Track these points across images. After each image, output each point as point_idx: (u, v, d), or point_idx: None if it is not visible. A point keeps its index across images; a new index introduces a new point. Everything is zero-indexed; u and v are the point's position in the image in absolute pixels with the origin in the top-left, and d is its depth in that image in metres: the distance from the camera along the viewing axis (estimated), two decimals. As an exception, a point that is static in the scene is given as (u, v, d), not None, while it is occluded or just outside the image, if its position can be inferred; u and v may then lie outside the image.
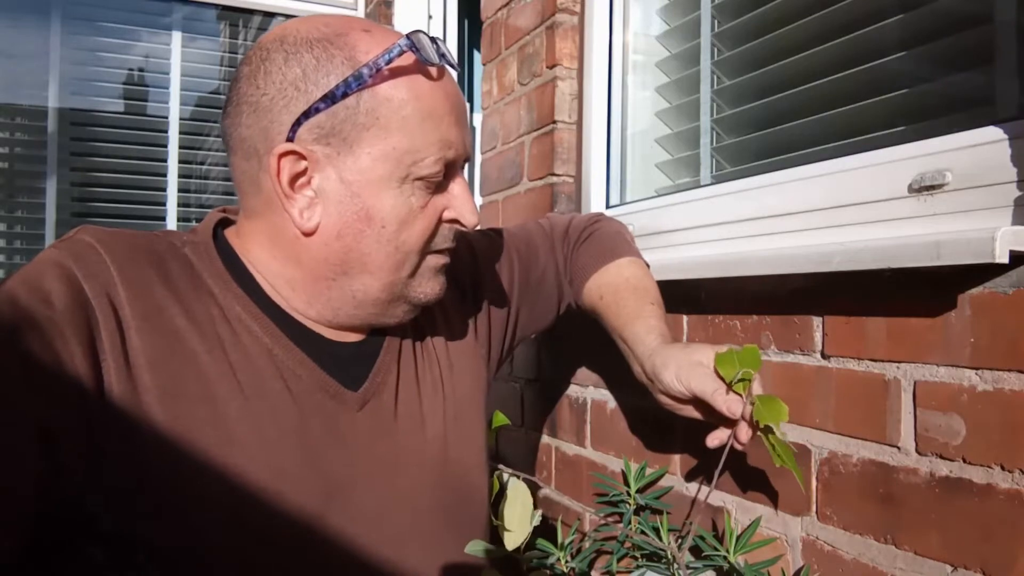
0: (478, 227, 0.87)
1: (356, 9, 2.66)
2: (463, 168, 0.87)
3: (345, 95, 0.76)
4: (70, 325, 0.70)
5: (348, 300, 0.84)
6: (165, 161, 2.73)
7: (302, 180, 0.79)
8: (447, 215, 0.84)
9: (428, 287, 0.87)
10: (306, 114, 0.77)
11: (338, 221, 0.80)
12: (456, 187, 0.85)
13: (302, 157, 0.78)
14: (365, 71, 0.76)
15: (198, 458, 0.73)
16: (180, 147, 2.74)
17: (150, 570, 0.71)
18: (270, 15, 2.78)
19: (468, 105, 0.93)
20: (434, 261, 0.86)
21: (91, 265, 0.74)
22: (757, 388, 0.82)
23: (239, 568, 0.74)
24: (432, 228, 0.83)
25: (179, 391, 0.74)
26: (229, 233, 0.88)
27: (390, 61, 0.77)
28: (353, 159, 0.78)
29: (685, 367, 0.87)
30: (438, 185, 0.82)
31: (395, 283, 0.84)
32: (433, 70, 0.80)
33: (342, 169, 0.78)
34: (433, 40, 0.81)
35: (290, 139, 0.78)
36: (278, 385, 0.80)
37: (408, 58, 0.78)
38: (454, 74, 0.86)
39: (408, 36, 0.79)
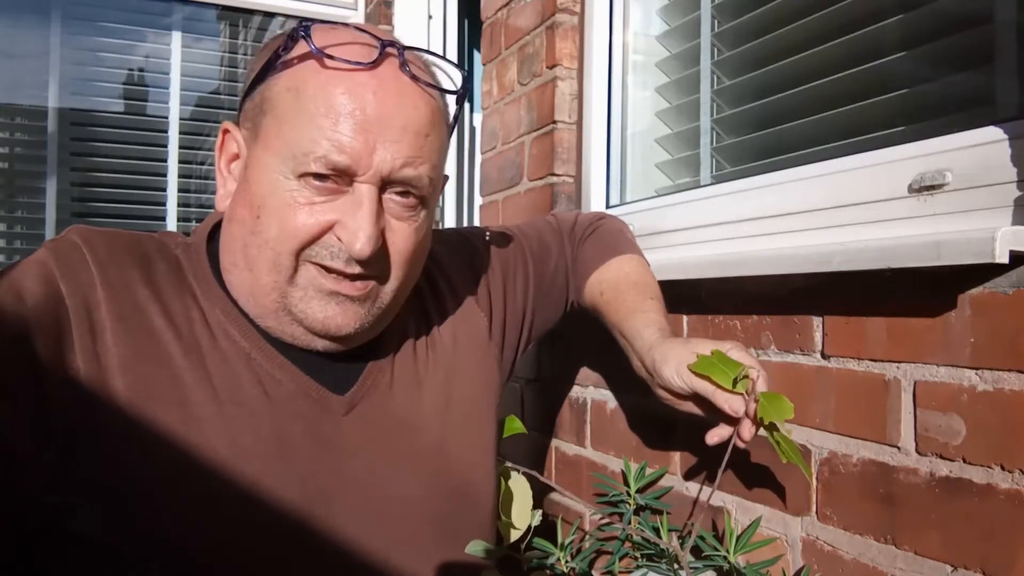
0: (365, 256, 0.74)
1: (356, 9, 2.66)
2: (389, 189, 0.77)
3: (262, 81, 0.78)
4: (38, 323, 0.70)
5: (248, 299, 0.80)
6: (165, 161, 2.73)
7: (236, 162, 0.81)
8: (336, 230, 0.75)
9: (309, 307, 0.77)
10: (244, 98, 0.80)
11: (234, 204, 0.80)
12: (356, 203, 0.75)
13: (235, 139, 0.81)
14: (273, 58, 0.77)
15: (169, 463, 0.73)
16: (180, 147, 2.74)
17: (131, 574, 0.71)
18: (270, 15, 2.77)
19: (427, 125, 0.79)
20: (317, 278, 0.77)
21: (72, 265, 0.75)
22: (762, 385, 0.82)
23: (218, 574, 0.73)
24: (310, 232, 0.75)
25: (151, 394, 0.73)
26: None
27: (288, 49, 0.76)
28: (257, 146, 0.78)
29: (686, 363, 0.87)
30: (341, 192, 0.75)
31: (275, 287, 0.77)
32: (346, 68, 0.74)
33: (251, 154, 0.79)
34: (367, 43, 0.76)
35: (238, 122, 0.81)
36: (255, 391, 0.79)
37: (310, 50, 0.75)
38: (413, 86, 0.77)
39: (302, 23, 0.76)
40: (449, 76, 0.83)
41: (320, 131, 0.73)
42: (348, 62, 0.74)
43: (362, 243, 0.74)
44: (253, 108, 0.79)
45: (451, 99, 0.83)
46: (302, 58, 0.76)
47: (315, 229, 0.75)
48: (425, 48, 0.84)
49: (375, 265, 0.78)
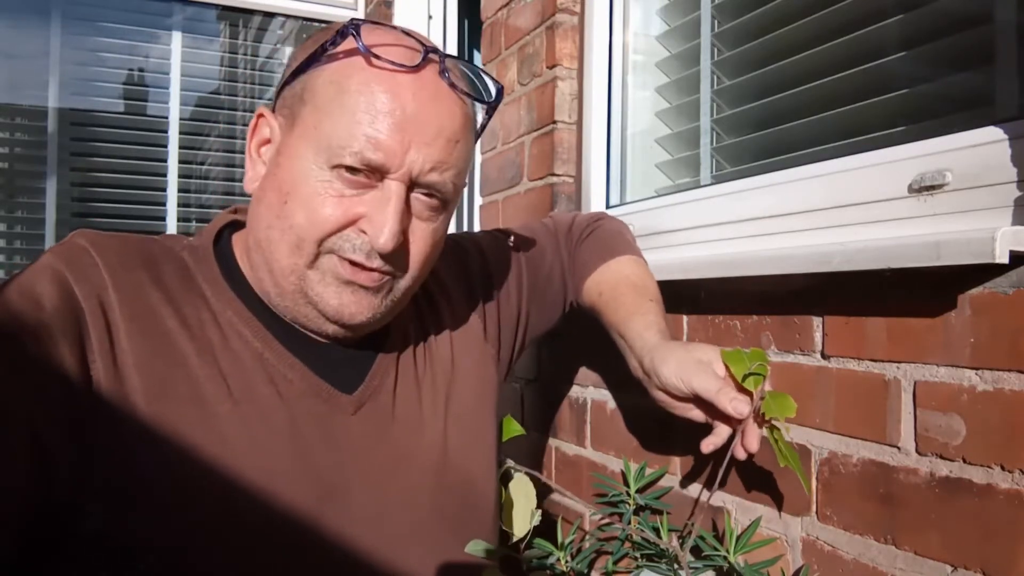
0: (387, 250, 0.77)
1: (356, 9, 2.67)
2: (416, 189, 0.79)
3: (304, 71, 0.79)
4: (60, 327, 0.71)
5: (268, 280, 0.82)
6: (165, 161, 2.73)
7: (267, 146, 0.83)
8: (362, 223, 0.77)
9: (325, 292, 0.79)
10: (283, 85, 0.82)
11: (263, 187, 0.82)
12: (384, 199, 0.77)
13: (270, 124, 0.82)
14: (319, 51, 0.78)
15: (187, 459, 0.73)
16: (180, 147, 2.75)
17: (145, 571, 0.71)
18: (270, 15, 2.77)
19: (459, 132, 0.81)
20: (337, 266, 0.79)
21: (83, 268, 0.75)
22: (766, 387, 0.83)
23: (232, 571, 0.74)
24: (335, 223, 0.77)
25: (167, 392, 0.74)
26: (237, 236, 0.89)
27: (335, 44, 0.77)
28: (292, 133, 0.79)
29: (686, 364, 0.87)
30: (370, 188, 0.77)
31: (294, 269, 0.79)
32: (390, 69, 0.76)
33: (284, 141, 0.80)
34: (412, 47, 0.78)
35: (274, 108, 0.83)
36: (268, 390, 0.80)
37: (357, 47, 0.77)
38: (451, 93, 0.79)
39: (352, 21, 0.78)
40: (487, 86, 0.86)
41: (358, 126, 0.75)
42: (393, 63, 0.76)
43: (386, 238, 0.76)
44: (292, 96, 0.80)
45: (480, 109, 0.86)
46: (348, 54, 0.77)
47: (341, 221, 0.77)
48: (464, 59, 0.86)
49: (394, 260, 0.80)
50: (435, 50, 0.79)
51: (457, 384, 0.96)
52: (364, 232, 0.77)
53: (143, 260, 0.80)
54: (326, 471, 0.80)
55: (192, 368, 0.77)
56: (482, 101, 0.84)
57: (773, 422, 0.81)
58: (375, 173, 0.77)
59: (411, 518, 0.85)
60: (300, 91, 0.79)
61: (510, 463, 1.09)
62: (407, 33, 0.80)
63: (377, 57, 0.76)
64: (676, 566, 0.88)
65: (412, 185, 0.79)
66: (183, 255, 0.84)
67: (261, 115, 0.83)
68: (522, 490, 1.08)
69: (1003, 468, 0.69)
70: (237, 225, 0.90)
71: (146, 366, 0.74)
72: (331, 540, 0.79)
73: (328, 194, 0.77)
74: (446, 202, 0.83)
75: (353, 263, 0.79)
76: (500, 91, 0.86)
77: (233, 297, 0.82)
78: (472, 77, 0.85)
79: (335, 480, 0.81)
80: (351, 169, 0.76)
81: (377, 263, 0.79)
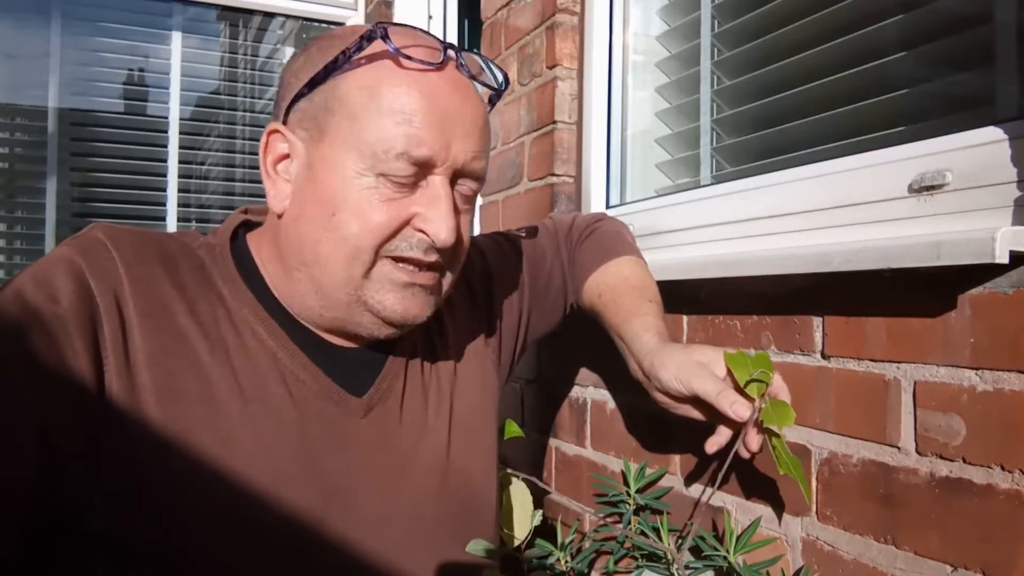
0: (449, 244, 0.78)
1: (356, 9, 2.67)
2: (458, 181, 0.81)
3: (324, 80, 0.78)
4: (75, 322, 0.70)
5: (314, 296, 0.81)
6: (165, 161, 2.73)
7: (285, 162, 0.82)
8: (417, 222, 0.78)
9: (386, 299, 0.80)
10: (296, 98, 0.80)
11: (299, 204, 0.80)
12: (435, 195, 0.78)
13: (286, 139, 0.81)
14: (341, 58, 0.78)
15: (194, 458, 0.73)
16: (180, 147, 2.75)
17: (147, 572, 0.71)
18: (270, 15, 2.78)
19: (485, 122, 0.83)
20: (392, 271, 0.79)
21: (100, 262, 0.75)
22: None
23: (236, 573, 0.74)
24: (390, 227, 0.77)
25: (177, 391, 0.74)
26: (251, 236, 0.88)
27: (361, 49, 0.77)
28: (323, 145, 0.78)
29: (686, 367, 0.87)
30: (415, 187, 0.78)
31: (349, 281, 0.79)
32: (420, 69, 0.77)
33: (313, 154, 0.79)
34: (432, 45, 0.80)
35: (285, 122, 0.82)
36: (280, 389, 0.80)
37: (385, 49, 0.77)
38: (476, 86, 0.83)
39: (379, 24, 0.78)
40: (494, 74, 0.88)
41: (399, 127, 0.76)
42: (423, 62, 0.77)
43: (447, 233, 0.77)
44: (313, 107, 0.79)
45: (485, 99, 0.88)
46: (373, 58, 0.78)
47: (396, 224, 0.78)
48: (473, 50, 0.87)
49: (447, 253, 0.81)
50: (451, 45, 0.81)
51: (460, 390, 0.96)
52: (420, 231, 0.78)
53: (159, 255, 0.80)
54: (332, 474, 0.80)
55: (203, 367, 0.76)
56: (497, 89, 0.87)
57: (772, 429, 0.81)
58: (421, 171, 0.77)
59: (414, 523, 0.85)
60: (323, 101, 0.78)
61: (508, 470, 1.09)
62: (424, 32, 0.82)
63: (408, 58, 0.76)
64: (674, 567, 0.88)
65: (454, 178, 0.80)
66: (199, 252, 0.84)
67: (273, 131, 0.81)
68: (519, 496, 1.08)
69: (1003, 468, 0.69)
70: (249, 225, 0.90)
71: (157, 364, 0.74)
72: (335, 543, 0.79)
73: (376, 199, 0.77)
74: (475, 191, 0.85)
75: (408, 260, 0.79)
76: (506, 77, 0.88)
77: (250, 296, 0.82)
78: (482, 66, 0.87)
79: (341, 484, 0.81)
80: (394, 172, 0.76)
81: (434, 258, 0.80)
